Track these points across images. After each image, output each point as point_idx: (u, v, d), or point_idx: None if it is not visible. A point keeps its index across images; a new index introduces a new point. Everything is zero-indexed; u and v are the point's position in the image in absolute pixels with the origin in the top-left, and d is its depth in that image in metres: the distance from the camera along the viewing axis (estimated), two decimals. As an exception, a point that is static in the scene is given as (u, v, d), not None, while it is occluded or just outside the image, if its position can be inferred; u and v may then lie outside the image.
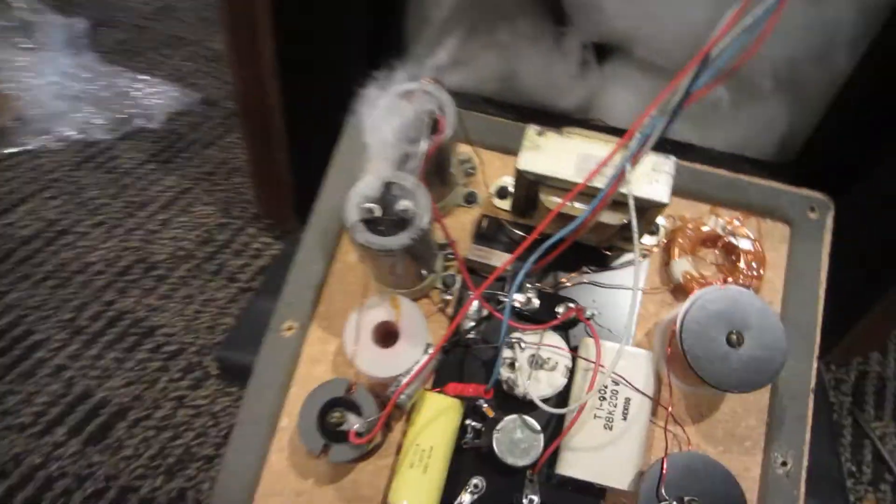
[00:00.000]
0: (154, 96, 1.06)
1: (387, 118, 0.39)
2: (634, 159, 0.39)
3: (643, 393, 0.41)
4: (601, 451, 0.41)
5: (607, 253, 0.47)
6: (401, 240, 0.38)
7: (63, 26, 1.12)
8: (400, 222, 0.39)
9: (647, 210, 0.41)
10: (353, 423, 0.40)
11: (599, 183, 0.40)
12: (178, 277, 0.86)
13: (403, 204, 0.39)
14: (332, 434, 0.40)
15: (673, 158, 0.41)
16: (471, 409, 0.43)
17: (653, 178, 0.40)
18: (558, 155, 0.41)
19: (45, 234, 0.91)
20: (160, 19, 1.24)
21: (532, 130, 0.42)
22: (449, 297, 0.47)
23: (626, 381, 0.41)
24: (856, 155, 0.52)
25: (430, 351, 0.42)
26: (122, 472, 0.77)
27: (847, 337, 0.64)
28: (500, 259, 0.47)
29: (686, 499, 0.38)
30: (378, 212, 0.39)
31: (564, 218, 0.41)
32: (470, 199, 0.50)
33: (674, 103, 0.38)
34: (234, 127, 1.05)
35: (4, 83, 1.05)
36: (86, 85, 1.05)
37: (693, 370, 0.39)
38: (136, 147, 1.02)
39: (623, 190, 0.39)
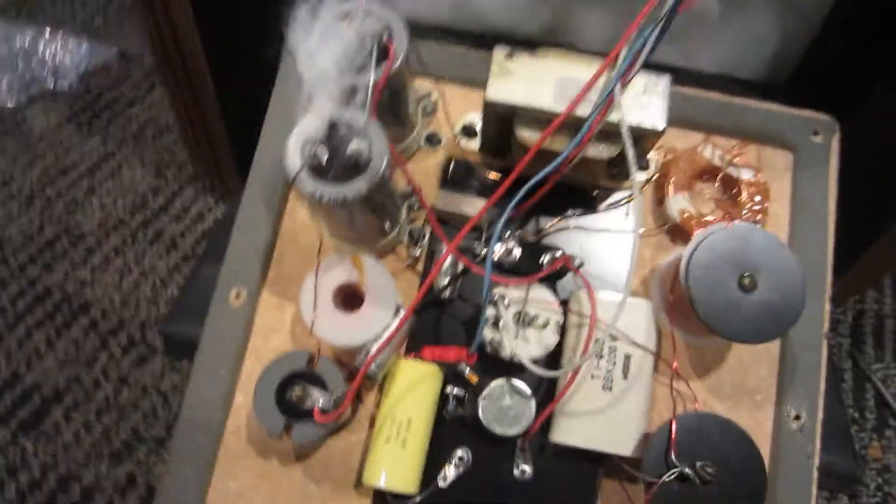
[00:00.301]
0: (63, 54, 0.94)
1: (325, 45, 0.33)
2: (624, 79, 0.33)
3: (645, 348, 0.37)
4: (600, 415, 0.37)
5: (593, 193, 0.42)
6: (356, 187, 0.32)
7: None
8: (352, 167, 0.33)
9: (640, 140, 0.36)
10: (318, 399, 0.36)
11: (584, 111, 0.34)
12: (111, 248, 0.79)
13: (355, 145, 0.32)
14: (294, 412, 0.36)
15: (667, 76, 0.35)
16: (451, 375, 0.39)
17: (644, 101, 0.35)
18: (533, 81, 0.36)
19: (-47, 210, 0.82)
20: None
21: (500, 53, 0.36)
22: (417, 252, 0.41)
23: (626, 336, 0.37)
24: (855, 73, 0.48)
25: (402, 313, 0.37)
26: (59, 461, 0.72)
27: (848, 274, 0.61)
28: (472, 206, 0.41)
29: (698, 464, 0.34)
30: (325, 156, 0.32)
31: (545, 155, 0.35)
32: (432, 141, 0.45)
33: (667, 7, 0.32)
34: (159, 81, 0.95)
35: None
36: (-20, 44, 0.93)
37: (701, 320, 0.35)
38: (48, 110, 0.92)
39: (613, 118, 0.34)
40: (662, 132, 0.35)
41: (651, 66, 0.49)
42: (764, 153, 0.43)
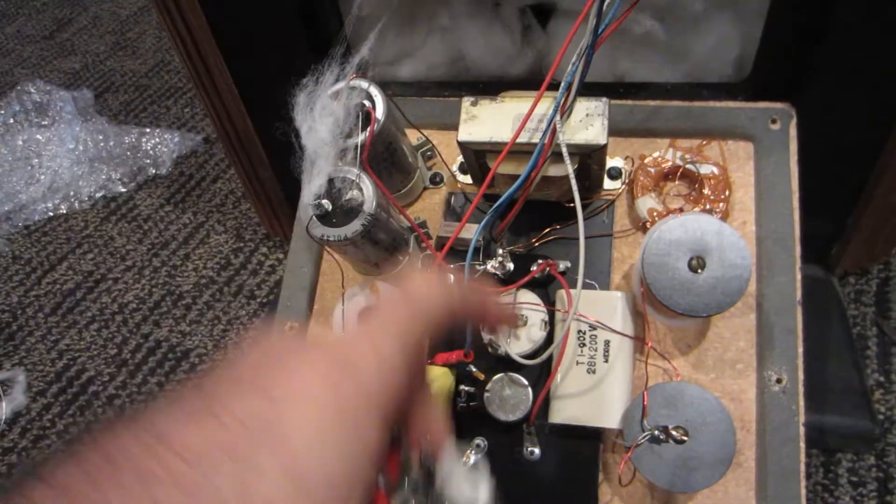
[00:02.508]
0: (161, 145, 1.13)
1: (321, 120, 0.41)
2: (562, 109, 0.40)
3: (618, 332, 0.42)
4: (587, 395, 0.42)
5: (569, 205, 0.47)
6: (353, 227, 0.40)
7: (72, 99, 1.21)
8: (349, 212, 0.41)
9: (592, 154, 0.42)
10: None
11: (535, 138, 0.40)
12: (204, 303, 0.92)
13: (350, 194, 0.40)
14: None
15: (604, 99, 0.41)
16: (463, 376, 0.45)
17: (587, 122, 0.41)
18: (495, 120, 0.42)
19: (85, 284, 0.99)
20: (156, 76, 1.32)
21: (466, 102, 0.43)
22: (428, 276, 0.48)
23: (602, 324, 0.42)
24: (805, 56, 0.50)
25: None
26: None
27: (854, 241, 0.61)
28: (468, 230, 0.48)
29: (671, 427, 0.38)
30: (328, 206, 0.41)
31: (514, 178, 0.42)
32: (435, 180, 0.52)
33: (585, 45, 0.38)
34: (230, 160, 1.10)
35: (32, 158, 1.14)
36: (100, 146, 1.13)
37: (659, 301, 0.39)
38: (151, 194, 1.09)
39: (558, 141, 0.40)
40: (605, 146, 0.40)
41: (622, 85, 0.55)
42: (726, 147, 0.47)
